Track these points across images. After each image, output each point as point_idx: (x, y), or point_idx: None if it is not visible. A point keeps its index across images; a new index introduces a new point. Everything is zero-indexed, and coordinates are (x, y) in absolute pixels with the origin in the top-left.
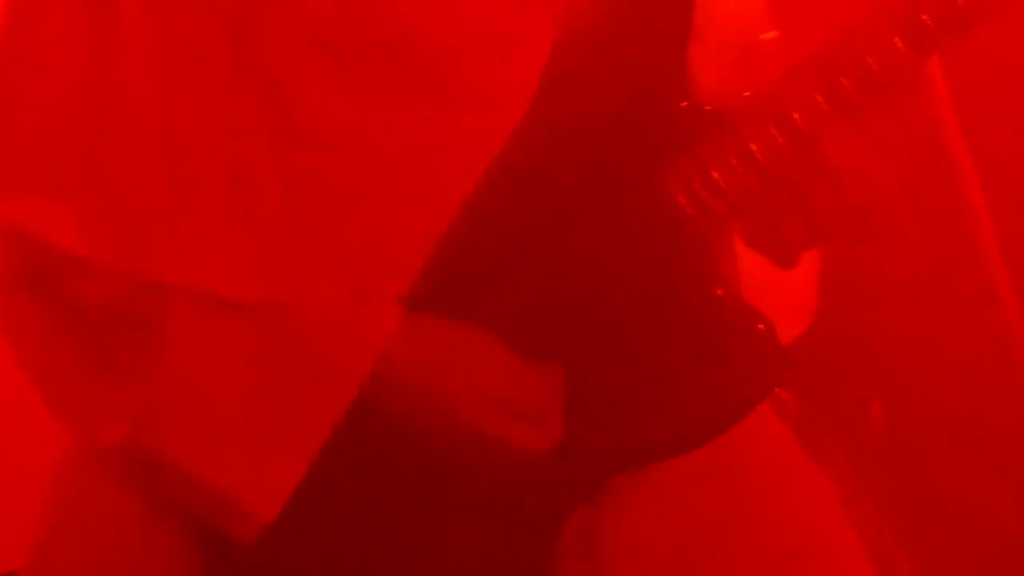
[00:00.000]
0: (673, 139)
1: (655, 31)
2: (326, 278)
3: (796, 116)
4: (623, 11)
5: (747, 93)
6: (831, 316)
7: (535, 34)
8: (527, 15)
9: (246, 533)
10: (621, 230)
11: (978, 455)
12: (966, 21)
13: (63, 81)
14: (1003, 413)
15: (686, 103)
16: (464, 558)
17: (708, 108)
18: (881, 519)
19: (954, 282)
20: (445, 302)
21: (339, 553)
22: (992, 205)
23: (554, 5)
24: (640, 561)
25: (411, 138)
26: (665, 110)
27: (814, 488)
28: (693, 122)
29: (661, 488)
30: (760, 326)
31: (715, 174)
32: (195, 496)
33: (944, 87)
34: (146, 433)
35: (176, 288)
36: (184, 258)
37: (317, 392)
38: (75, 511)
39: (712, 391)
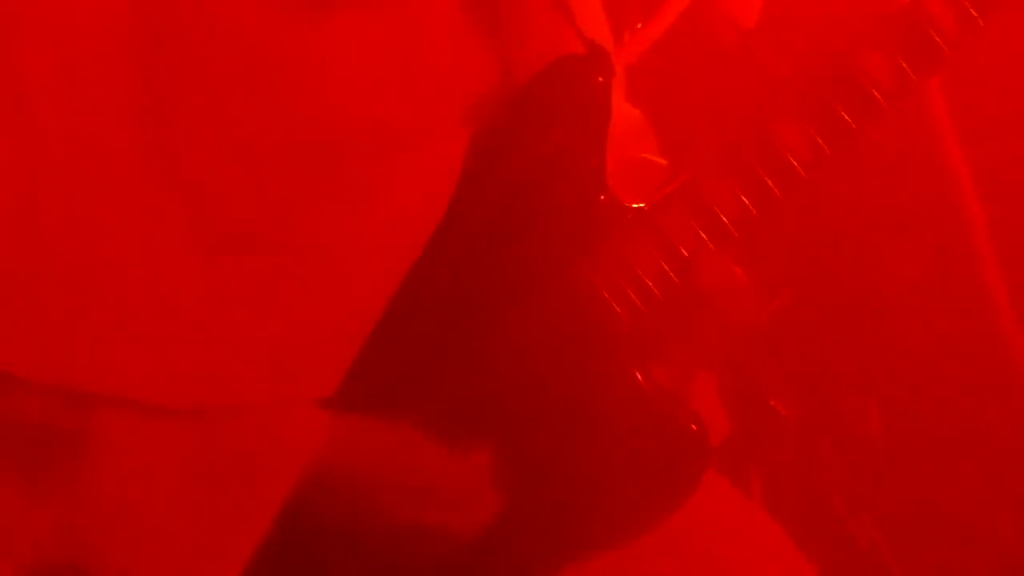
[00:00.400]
0: (593, 231)
1: (573, 128)
2: (252, 381)
3: (718, 212)
4: (540, 109)
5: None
6: (828, 324)
7: (451, 130)
8: (442, 112)
9: None
10: (545, 321)
11: (975, 463)
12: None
13: None
14: (1000, 420)
15: (604, 196)
16: None
17: (626, 203)
18: (876, 527)
19: (951, 290)
20: (371, 393)
21: None
22: (989, 212)
23: (469, 102)
24: None
25: (332, 237)
26: (583, 203)
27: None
28: (612, 215)
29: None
30: (691, 424)
31: (638, 269)
32: None
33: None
34: (70, 547)
35: (101, 398)
36: (108, 368)
37: (247, 498)
38: None
39: (641, 487)
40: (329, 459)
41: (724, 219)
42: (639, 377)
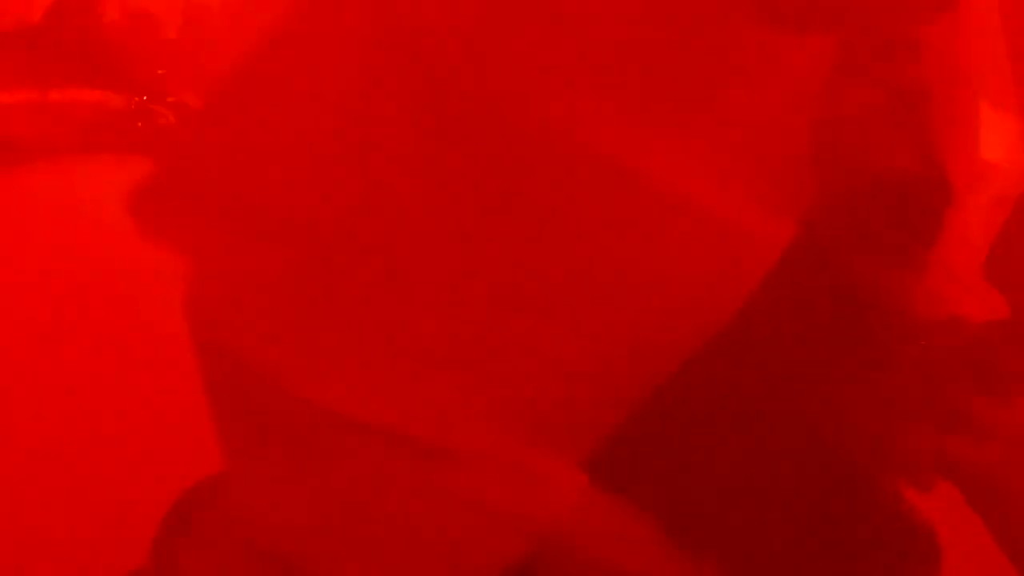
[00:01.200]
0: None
1: (894, 248)
2: (506, 424)
3: None
4: (869, 216)
5: None
6: None
7: (776, 231)
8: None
9: None
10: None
11: None
12: None
13: None
14: None
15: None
16: None
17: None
18: None
19: None
20: (622, 474)
21: None
22: None
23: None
24: None
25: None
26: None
27: None
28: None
29: None
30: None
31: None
32: None
33: None
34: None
35: (367, 426)
36: (380, 398)
37: (484, 545)
38: None
39: None
40: (571, 530)
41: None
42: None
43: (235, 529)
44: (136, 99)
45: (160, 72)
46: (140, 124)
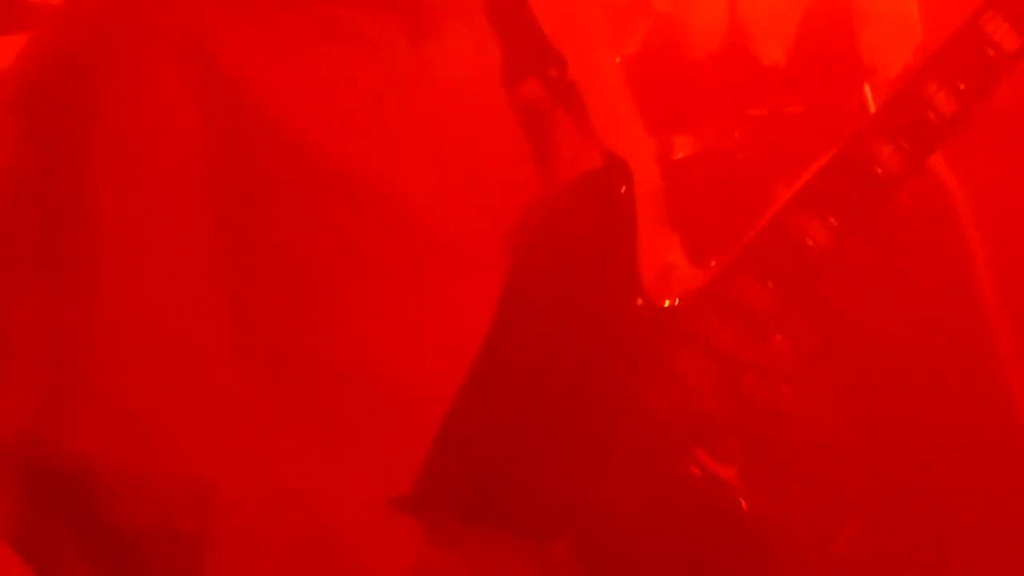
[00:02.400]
0: (635, 338)
1: (604, 239)
2: (354, 474)
3: (750, 305)
4: (571, 221)
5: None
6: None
7: (493, 250)
8: (485, 230)
9: None
10: (597, 424)
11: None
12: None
13: None
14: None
15: (641, 300)
16: None
17: (663, 305)
18: None
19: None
20: (442, 495)
21: None
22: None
23: (508, 222)
24: None
25: (398, 339)
26: (622, 311)
27: None
28: (650, 319)
29: None
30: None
31: (681, 367)
32: None
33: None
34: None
35: (221, 488)
36: (228, 455)
37: None
38: None
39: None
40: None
41: (757, 311)
42: (694, 470)
43: None
44: None
45: None
46: None
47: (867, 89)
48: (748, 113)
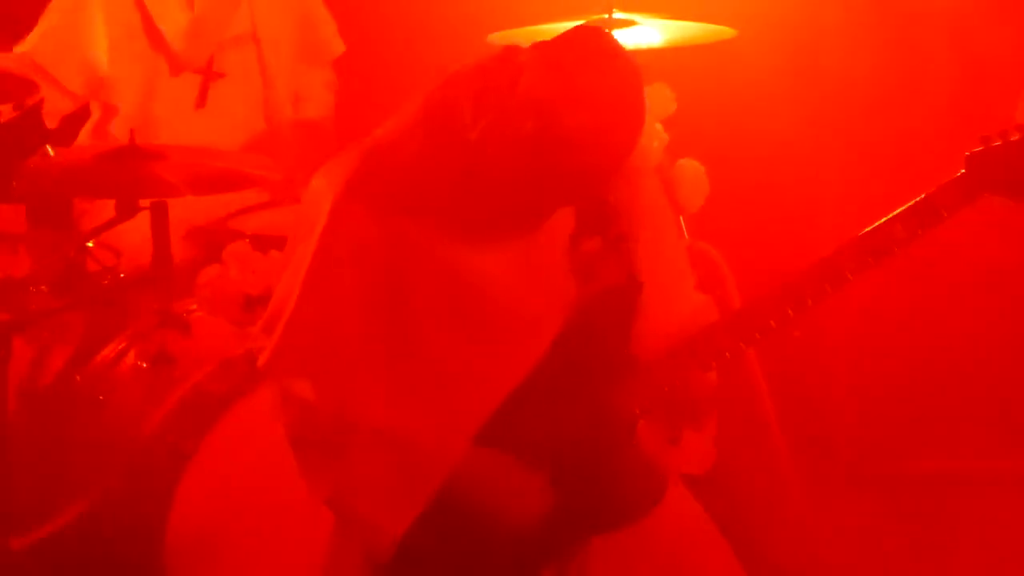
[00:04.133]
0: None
1: (610, 326)
2: (437, 419)
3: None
4: (594, 314)
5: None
6: None
7: (552, 315)
8: (549, 305)
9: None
10: (586, 410)
11: None
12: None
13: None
14: None
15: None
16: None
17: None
18: None
19: None
20: (492, 433)
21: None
22: None
23: (564, 302)
24: None
25: (472, 363)
26: (618, 363)
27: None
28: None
29: (611, 550)
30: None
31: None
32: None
33: None
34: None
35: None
36: (373, 406)
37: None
38: None
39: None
40: (466, 463)
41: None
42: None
43: None
44: None
45: None
46: None
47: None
48: None
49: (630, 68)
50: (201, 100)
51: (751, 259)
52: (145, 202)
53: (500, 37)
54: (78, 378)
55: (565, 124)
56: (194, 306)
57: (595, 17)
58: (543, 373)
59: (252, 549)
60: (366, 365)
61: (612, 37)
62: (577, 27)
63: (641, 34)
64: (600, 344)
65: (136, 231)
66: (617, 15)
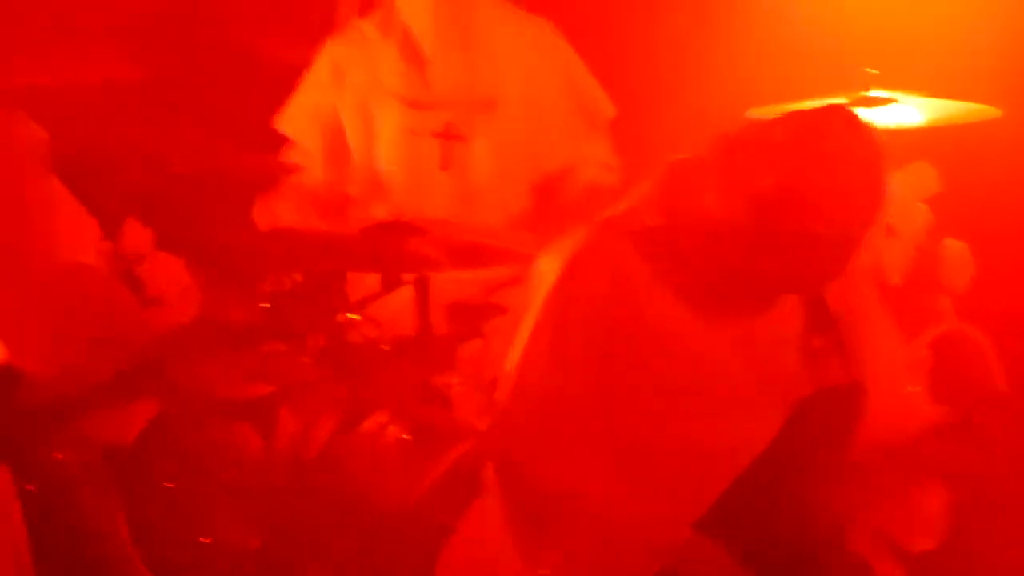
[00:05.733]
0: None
1: (832, 427)
2: (660, 500)
3: None
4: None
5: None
6: None
7: (779, 406)
8: (778, 395)
9: None
10: None
11: None
12: None
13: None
14: None
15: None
16: None
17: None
18: None
19: None
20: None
21: None
22: None
23: (793, 395)
24: None
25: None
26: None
27: None
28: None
29: None
30: None
31: None
32: None
33: None
34: None
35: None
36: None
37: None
38: None
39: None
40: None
41: None
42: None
43: None
44: None
45: None
46: None
47: None
48: None
49: (874, 144)
50: (445, 162)
51: (1021, 343)
52: (408, 276)
53: (759, 113)
54: (343, 450)
55: (803, 182)
56: (455, 380)
57: (855, 95)
58: (759, 467)
59: None
60: (588, 438)
61: (858, 115)
62: (827, 105)
63: (902, 112)
64: (820, 444)
65: (396, 303)
66: (877, 93)
